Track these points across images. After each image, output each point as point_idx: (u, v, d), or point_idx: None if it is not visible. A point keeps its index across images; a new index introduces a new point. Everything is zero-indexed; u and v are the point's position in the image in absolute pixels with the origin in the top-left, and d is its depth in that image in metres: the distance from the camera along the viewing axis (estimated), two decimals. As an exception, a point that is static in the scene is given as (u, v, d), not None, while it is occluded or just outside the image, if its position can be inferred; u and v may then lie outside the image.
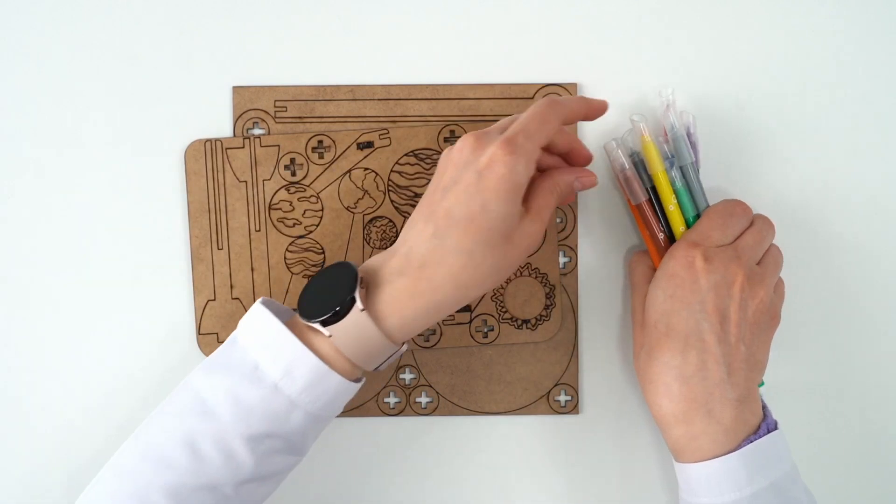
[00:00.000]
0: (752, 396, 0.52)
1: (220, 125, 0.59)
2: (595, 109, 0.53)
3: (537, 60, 0.60)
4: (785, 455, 0.52)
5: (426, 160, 0.58)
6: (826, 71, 0.60)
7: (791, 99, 0.60)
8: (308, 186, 0.58)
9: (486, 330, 0.59)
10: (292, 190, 0.58)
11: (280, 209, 0.58)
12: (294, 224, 0.58)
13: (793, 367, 0.60)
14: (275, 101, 0.59)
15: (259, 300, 0.51)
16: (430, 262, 0.48)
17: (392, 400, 0.60)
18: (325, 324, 0.48)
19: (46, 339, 0.59)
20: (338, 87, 0.59)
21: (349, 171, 0.58)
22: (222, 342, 0.54)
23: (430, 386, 0.60)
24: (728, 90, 0.60)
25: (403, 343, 0.51)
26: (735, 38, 0.60)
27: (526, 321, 0.59)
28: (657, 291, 0.53)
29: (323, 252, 0.58)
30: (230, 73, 0.59)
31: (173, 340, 0.59)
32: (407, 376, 0.60)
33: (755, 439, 0.51)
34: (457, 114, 0.59)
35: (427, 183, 0.57)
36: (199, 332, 0.59)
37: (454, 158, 0.49)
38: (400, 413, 0.60)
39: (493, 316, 0.59)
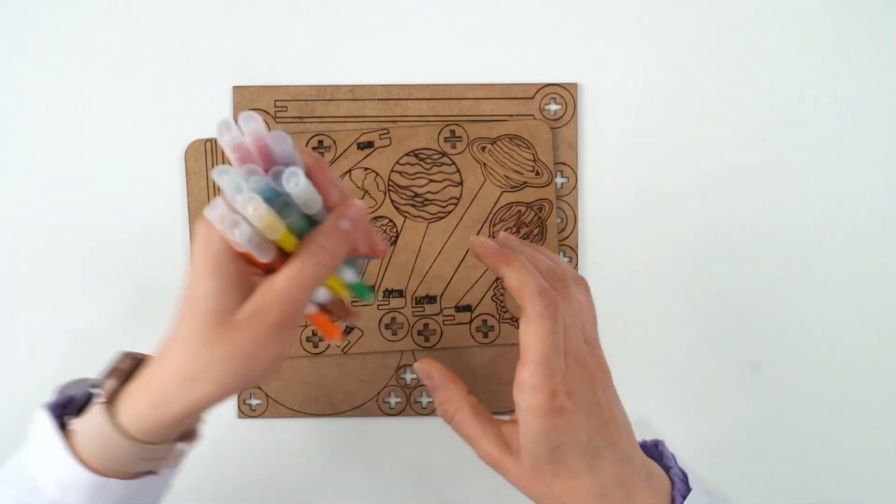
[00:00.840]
0: (650, 466, 0.47)
1: (221, 125, 0.59)
2: None
3: (537, 61, 0.60)
4: (707, 501, 0.47)
5: (426, 160, 0.58)
6: (826, 71, 0.60)
7: (792, 100, 0.60)
8: None
9: (486, 329, 0.59)
10: None
11: None
12: None
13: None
14: (275, 101, 0.59)
15: (42, 405, 0.45)
16: (161, 352, 0.44)
17: (393, 400, 0.60)
18: (76, 414, 0.44)
19: (44, 338, 0.59)
20: (338, 87, 0.59)
21: (349, 170, 0.58)
22: None
23: (431, 386, 0.60)
24: (729, 91, 0.60)
25: (181, 441, 0.46)
26: (736, 40, 0.60)
27: None
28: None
29: None
30: (231, 73, 0.59)
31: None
32: (408, 376, 0.60)
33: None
34: (457, 114, 0.59)
35: (427, 183, 0.57)
36: None
37: None
38: (401, 413, 0.60)
39: (493, 316, 0.59)
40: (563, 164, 0.59)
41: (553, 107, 0.59)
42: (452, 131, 0.58)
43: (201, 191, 0.58)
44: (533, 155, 0.55)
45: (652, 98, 0.60)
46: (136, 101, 0.59)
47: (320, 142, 0.58)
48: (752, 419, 0.60)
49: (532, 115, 0.59)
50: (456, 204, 0.57)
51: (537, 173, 0.56)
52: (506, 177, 0.56)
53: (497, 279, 0.58)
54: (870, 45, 0.60)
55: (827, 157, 0.60)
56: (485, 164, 0.56)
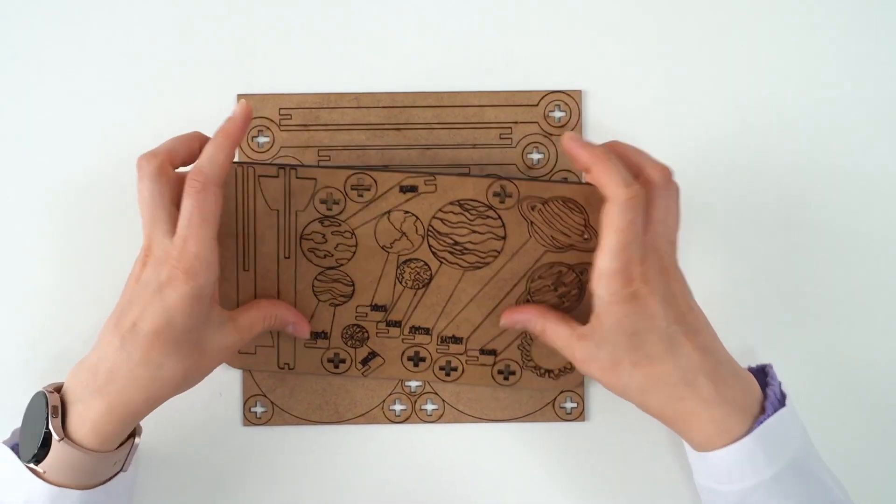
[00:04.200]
0: (737, 366, 0.50)
1: (225, 133, 0.59)
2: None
3: (542, 68, 0.60)
4: (798, 429, 0.50)
5: (471, 211, 0.54)
6: (828, 72, 0.60)
7: (798, 105, 0.60)
8: (343, 222, 0.54)
9: (507, 373, 0.58)
10: (326, 223, 0.54)
11: (312, 240, 0.55)
12: (325, 255, 0.55)
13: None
14: (279, 108, 0.59)
15: (3, 442, 0.51)
16: (118, 375, 0.49)
17: (398, 407, 0.60)
18: (38, 461, 0.48)
19: (65, 355, 0.59)
20: (342, 94, 0.59)
21: (388, 211, 0.54)
22: (245, 353, 0.58)
23: (436, 393, 0.60)
24: (734, 97, 0.60)
25: (132, 438, 0.52)
26: (741, 47, 0.60)
27: (549, 370, 0.58)
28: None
29: (353, 285, 0.56)
30: (235, 81, 0.59)
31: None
32: (413, 384, 0.60)
33: (765, 419, 0.48)
34: (461, 121, 0.59)
35: (469, 234, 0.55)
36: None
37: (135, 273, 0.50)
38: (406, 420, 0.60)
39: (516, 362, 0.58)
40: (568, 171, 0.59)
41: (557, 114, 0.59)
42: (503, 187, 0.54)
43: (228, 215, 0.54)
44: (584, 220, 0.53)
45: (656, 105, 0.60)
46: (140, 109, 0.59)
47: (360, 180, 0.54)
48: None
49: (538, 123, 0.59)
50: (495, 257, 0.55)
51: (586, 238, 0.53)
52: (552, 237, 0.54)
53: (525, 333, 0.57)
54: (872, 47, 0.60)
55: (836, 161, 0.60)
56: (532, 222, 0.54)
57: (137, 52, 0.59)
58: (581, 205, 0.53)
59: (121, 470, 0.52)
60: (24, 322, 0.59)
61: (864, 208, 0.60)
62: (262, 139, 0.59)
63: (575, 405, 0.60)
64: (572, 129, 0.59)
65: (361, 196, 0.54)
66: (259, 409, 0.59)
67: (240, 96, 0.59)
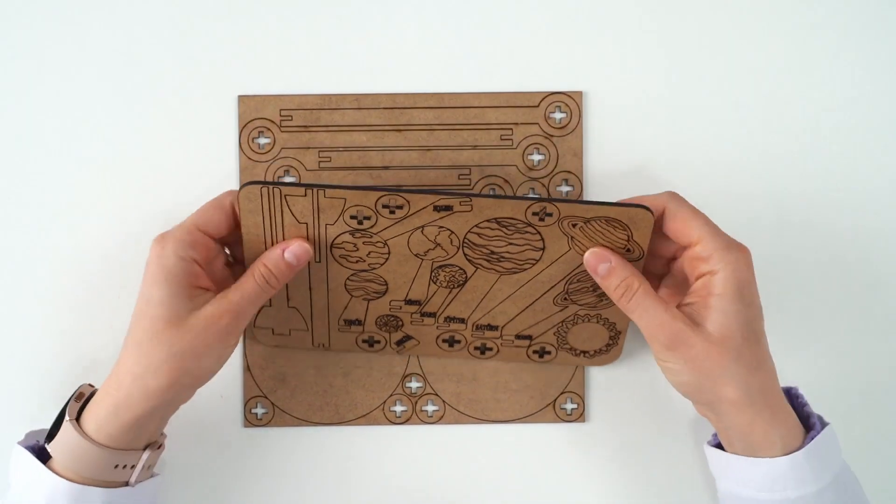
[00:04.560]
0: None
1: (226, 134, 0.59)
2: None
3: (543, 68, 0.59)
4: (839, 449, 0.52)
5: (509, 227, 0.52)
6: (828, 72, 0.60)
7: (799, 107, 0.60)
8: (376, 234, 0.52)
9: (542, 353, 0.59)
10: (357, 234, 0.52)
11: (343, 248, 0.53)
12: (357, 261, 0.54)
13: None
14: (280, 109, 0.59)
15: (18, 443, 0.52)
16: (118, 360, 0.51)
17: (399, 408, 0.60)
18: (49, 440, 0.51)
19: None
20: (343, 95, 0.59)
21: (422, 226, 0.52)
22: (279, 334, 0.58)
23: (437, 394, 0.60)
24: (735, 98, 0.60)
25: (147, 449, 0.52)
26: (742, 48, 0.60)
27: (584, 351, 0.58)
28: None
29: (386, 284, 0.55)
30: (236, 82, 0.59)
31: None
32: (413, 385, 0.60)
33: (815, 435, 0.51)
34: (462, 122, 0.59)
35: (506, 245, 0.53)
36: (253, 326, 0.58)
37: None
38: (406, 421, 0.60)
39: (551, 344, 0.58)
40: (569, 172, 0.59)
41: (558, 115, 0.59)
42: (543, 208, 0.51)
43: (256, 226, 0.52)
44: (628, 236, 0.51)
45: (658, 106, 0.60)
46: (141, 111, 0.59)
47: (391, 200, 0.51)
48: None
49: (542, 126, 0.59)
50: (533, 264, 0.53)
51: (628, 250, 0.52)
52: None
53: (564, 321, 0.57)
54: (872, 47, 0.60)
55: (836, 161, 0.60)
56: (572, 237, 0.52)
57: (137, 52, 0.59)
58: (624, 223, 0.51)
59: (138, 476, 0.52)
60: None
61: (864, 208, 0.60)
62: (262, 140, 0.59)
63: (575, 406, 0.60)
64: (573, 130, 0.59)
65: (393, 213, 0.51)
66: (260, 411, 0.60)
67: (241, 97, 0.59)
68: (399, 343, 0.59)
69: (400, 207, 0.51)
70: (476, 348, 0.59)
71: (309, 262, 0.53)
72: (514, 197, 0.53)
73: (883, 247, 0.61)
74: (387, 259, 0.54)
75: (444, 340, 0.58)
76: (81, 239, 0.59)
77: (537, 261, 0.53)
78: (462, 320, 0.57)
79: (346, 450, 0.60)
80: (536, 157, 0.59)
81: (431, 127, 0.59)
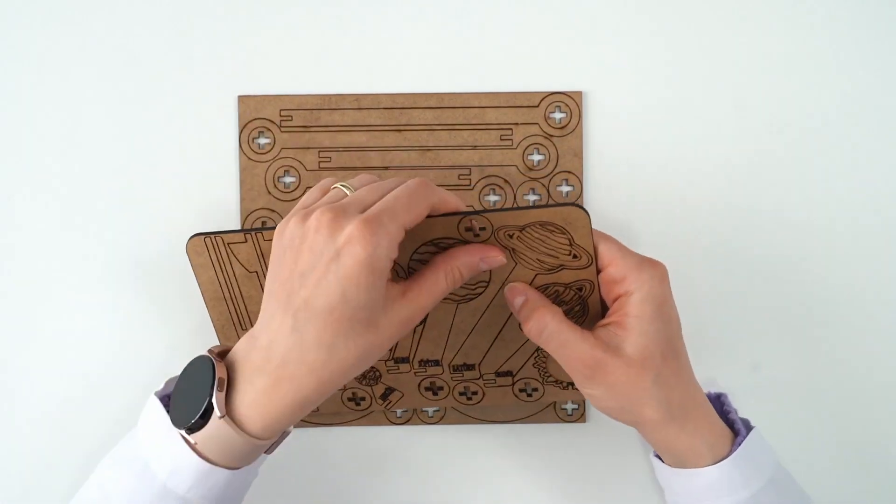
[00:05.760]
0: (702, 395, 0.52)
1: (226, 134, 0.59)
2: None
3: (543, 68, 0.60)
4: (770, 451, 0.52)
5: (447, 249, 0.50)
6: (828, 73, 0.60)
7: (800, 107, 0.60)
8: None
9: (529, 391, 0.58)
10: None
11: None
12: None
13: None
14: (280, 110, 0.59)
15: (154, 393, 0.49)
16: (291, 360, 0.45)
17: (399, 409, 0.60)
18: (190, 431, 0.46)
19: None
20: (343, 96, 0.59)
21: None
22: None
23: (437, 395, 0.60)
24: (735, 98, 0.60)
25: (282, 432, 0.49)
26: (742, 47, 0.60)
27: (570, 383, 0.57)
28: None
29: None
30: (235, 82, 0.59)
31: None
32: (413, 385, 0.60)
33: (742, 441, 0.51)
34: (462, 122, 0.59)
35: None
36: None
37: (309, 239, 0.45)
38: (407, 422, 0.60)
39: (535, 379, 0.58)
40: (569, 172, 0.59)
41: (558, 115, 0.59)
42: (473, 221, 0.49)
43: (212, 282, 0.53)
44: (569, 240, 0.49)
45: (658, 106, 0.60)
46: (141, 111, 0.59)
47: None
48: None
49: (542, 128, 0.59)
50: (486, 286, 0.52)
51: (575, 256, 0.50)
52: (538, 260, 0.50)
53: (538, 349, 0.55)
54: (872, 47, 0.60)
55: (836, 165, 0.60)
56: (513, 249, 0.50)
57: (137, 52, 0.59)
58: (560, 225, 0.49)
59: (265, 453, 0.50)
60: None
61: (864, 208, 0.60)
62: (262, 140, 0.59)
63: (576, 407, 0.60)
64: (573, 130, 0.59)
65: None
66: (260, 411, 0.59)
67: (241, 97, 0.59)
68: (384, 397, 0.58)
69: None
70: (461, 394, 0.58)
71: None
72: (443, 214, 0.48)
73: (884, 246, 0.61)
74: None
75: (426, 388, 0.58)
76: (80, 238, 0.59)
77: (488, 282, 0.52)
78: (436, 362, 0.56)
79: (346, 449, 0.60)
80: (536, 158, 0.59)
81: (431, 127, 0.59)
